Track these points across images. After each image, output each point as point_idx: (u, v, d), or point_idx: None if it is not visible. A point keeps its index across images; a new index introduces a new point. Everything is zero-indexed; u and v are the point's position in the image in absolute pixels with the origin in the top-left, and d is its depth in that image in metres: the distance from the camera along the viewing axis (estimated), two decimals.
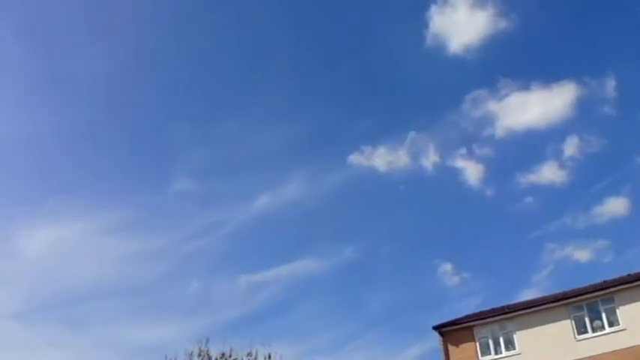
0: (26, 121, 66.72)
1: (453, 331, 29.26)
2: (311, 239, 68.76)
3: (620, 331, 26.16)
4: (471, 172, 63.27)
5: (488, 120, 66.59)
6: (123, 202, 66.20)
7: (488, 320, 28.96)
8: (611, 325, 26.57)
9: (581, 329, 27.01)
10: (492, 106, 61.96)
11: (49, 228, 59.69)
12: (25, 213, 63.84)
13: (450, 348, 28.90)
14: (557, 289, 30.07)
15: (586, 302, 27.32)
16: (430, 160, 64.51)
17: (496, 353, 28.28)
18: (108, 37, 68.31)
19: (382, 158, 66.22)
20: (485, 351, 28.44)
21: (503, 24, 66.92)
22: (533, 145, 63.83)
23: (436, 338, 29.58)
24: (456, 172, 64.48)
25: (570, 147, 58.97)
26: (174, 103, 71.64)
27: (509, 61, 68.28)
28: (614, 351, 25.65)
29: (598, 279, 28.53)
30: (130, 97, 71.97)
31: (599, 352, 25.87)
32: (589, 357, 26.01)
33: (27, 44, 67.33)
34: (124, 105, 71.63)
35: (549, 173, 59.27)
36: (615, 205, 57.98)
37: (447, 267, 63.18)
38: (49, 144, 67.99)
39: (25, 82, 67.78)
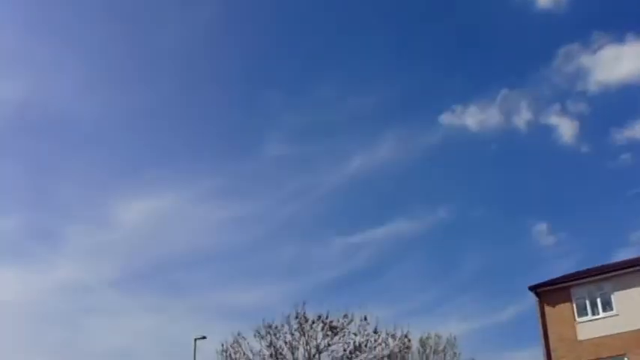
0: (120, 97, 70.37)
1: (549, 292, 28.46)
2: (404, 201, 67.88)
3: None
4: (565, 129, 60.64)
5: (582, 75, 62.85)
6: (217, 169, 68.40)
7: (585, 280, 27.83)
8: None
9: None
10: (585, 60, 58.97)
11: (145, 198, 63.33)
12: (121, 184, 67.86)
13: (547, 309, 28.19)
14: None
15: None
16: (523, 117, 61.87)
17: (593, 314, 27.20)
18: (192, 6, 69.88)
19: (474, 117, 64.34)
20: (582, 312, 27.43)
21: None
22: (629, 100, 59.31)
23: (532, 299, 28.97)
24: (549, 130, 61.41)
25: None
26: (266, 69, 72.60)
27: (601, 12, 62.69)
28: None
29: None
30: (219, 64, 73.77)
31: None
32: None
33: (114, 22, 70.39)
34: (214, 73, 73.27)
35: None
36: None
37: (542, 227, 60.72)
38: (143, 117, 70.61)
39: (115, 59, 71.12)
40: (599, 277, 27.49)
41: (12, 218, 61.38)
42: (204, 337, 34.03)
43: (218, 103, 73.44)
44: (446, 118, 62.86)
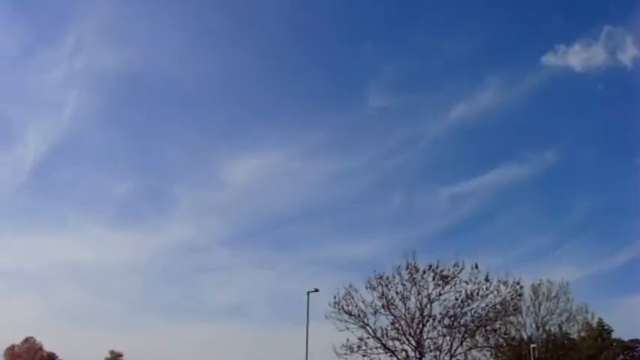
0: (217, 60, 71.31)
1: None
2: (509, 146, 66.40)
3: None
4: None
5: None
6: (321, 124, 68.78)
7: None
8: None
9: None
10: None
11: (251, 156, 64.68)
12: (226, 144, 69.31)
13: None
14: None
15: None
16: (629, 54, 58.31)
17: None
18: None
19: (577, 56, 61.70)
20: None
21: None
22: None
23: None
24: None
25: None
26: (360, 21, 71.77)
27: None
28: None
29: None
30: (314, 20, 73.51)
31: None
32: None
33: None
34: (309, 29, 73.52)
35: None
36: None
37: None
38: (242, 77, 72.42)
39: (209, 23, 72.08)
40: None
41: (124, 184, 64.86)
42: (316, 290, 34.76)
43: (316, 59, 74.27)
44: (549, 59, 61.11)
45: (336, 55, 71.41)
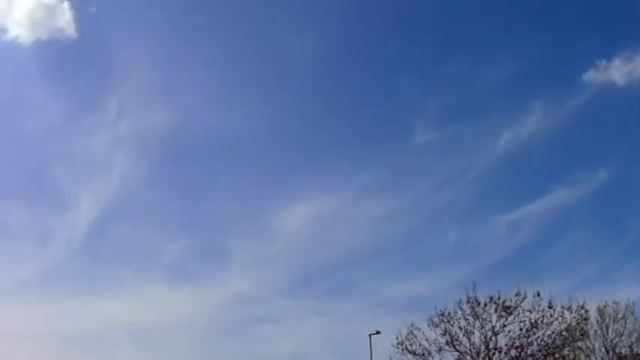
0: (260, 109, 72.07)
1: None
2: (560, 169, 65.07)
3: None
4: None
5: None
6: (369, 165, 68.45)
7: None
8: None
9: None
10: None
11: (302, 204, 64.66)
12: (277, 194, 69.21)
13: None
14: None
15: None
16: None
17: None
18: (317, 11, 71.14)
19: (619, 70, 60.22)
20: None
21: None
22: None
23: None
24: None
25: None
26: (398, 57, 72.19)
27: None
28: None
29: None
30: (352, 61, 74.08)
31: None
32: None
33: (244, 38, 72.75)
34: (348, 70, 73.42)
35: None
36: None
37: None
38: (286, 125, 72.06)
39: (249, 74, 73.12)
40: None
41: (177, 241, 65.66)
42: (378, 332, 34.78)
43: (359, 99, 74.42)
44: (590, 77, 60.31)
45: (377, 92, 72.30)
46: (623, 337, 38.92)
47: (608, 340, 38.88)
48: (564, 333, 31.49)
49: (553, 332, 31.26)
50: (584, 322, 32.47)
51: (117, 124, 67.24)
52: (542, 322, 31.05)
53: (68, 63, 72.18)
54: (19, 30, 68.06)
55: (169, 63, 72.99)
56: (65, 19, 63.54)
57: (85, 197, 65.54)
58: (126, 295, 59.90)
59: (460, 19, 70.84)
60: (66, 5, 62.18)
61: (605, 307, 38.62)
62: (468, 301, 31.62)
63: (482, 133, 67.02)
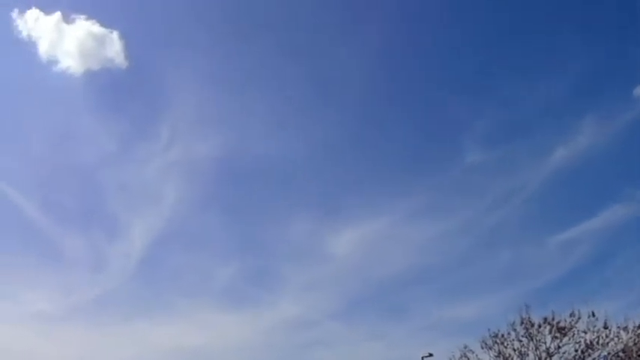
0: (308, 132, 72.90)
1: None
2: (614, 185, 63.94)
3: None
4: None
5: None
6: (419, 186, 68.29)
7: None
8: None
9: None
10: None
11: (354, 226, 64.86)
12: (329, 217, 69.34)
13: None
14: None
15: None
16: None
17: None
18: (359, 31, 71.77)
19: None
20: None
21: None
22: None
23: None
24: None
25: None
26: (447, 78, 72.50)
27: None
28: None
29: None
30: (400, 83, 74.64)
31: None
32: None
33: (288, 63, 73.07)
34: (394, 91, 74.02)
35: None
36: None
37: None
38: (336, 148, 72.35)
39: (295, 98, 74.25)
40: None
41: (229, 266, 66.66)
42: (430, 355, 34.94)
43: (408, 119, 74.86)
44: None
45: (426, 113, 72.65)
46: None
47: None
48: (620, 354, 31.00)
49: (609, 353, 30.89)
50: None
51: (168, 150, 68.95)
52: (597, 342, 30.77)
53: (119, 92, 73.98)
54: (70, 61, 69.56)
55: (218, 88, 74.67)
56: (115, 49, 64.82)
57: (138, 224, 67.11)
58: (178, 320, 61.09)
59: (509, 36, 70.98)
60: (115, 35, 63.50)
61: None
62: (522, 323, 31.57)
63: (534, 151, 66.58)
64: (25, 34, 63.53)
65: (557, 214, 65.50)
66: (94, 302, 61.27)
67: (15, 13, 63.13)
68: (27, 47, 65.58)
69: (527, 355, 31.50)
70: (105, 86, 71.29)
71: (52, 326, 58.27)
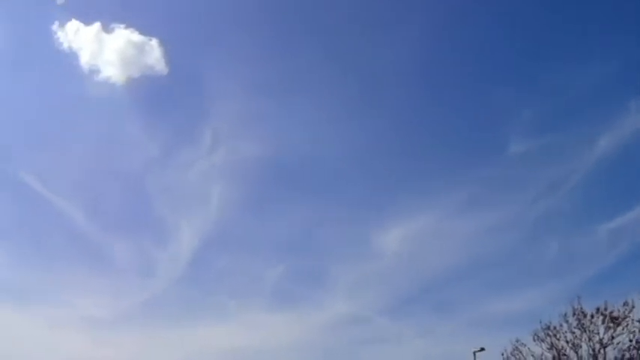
0: (359, 129, 72.59)
1: None
2: None
3: None
4: None
5: None
6: (464, 180, 67.40)
7: None
8: None
9: None
10: None
11: (401, 223, 64.48)
12: (376, 215, 68.75)
13: None
14: None
15: None
16: None
17: None
18: (400, 27, 70.31)
19: None
20: None
21: None
22: None
23: None
24: None
25: None
26: (491, 68, 71.85)
27: None
28: None
29: None
30: (445, 75, 74.07)
31: None
32: None
33: (331, 63, 72.56)
34: (442, 83, 73.95)
35: None
36: None
37: None
38: (385, 143, 72.12)
39: (338, 97, 74.19)
40: None
41: (278, 267, 67.23)
42: (482, 349, 34.74)
43: (449, 113, 74.18)
44: None
45: (469, 104, 72.11)
46: None
47: None
48: None
49: None
50: None
51: (212, 153, 69.95)
52: None
53: (161, 98, 75.14)
54: (111, 69, 69.35)
55: (260, 90, 75.05)
56: (155, 56, 65.41)
57: (185, 227, 68.19)
58: (228, 322, 61.90)
59: (552, 24, 70.00)
60: (154, 42, 64.44)
61: None
62: (574, 314, 31.24)
63: (580, 139, 65.41)
64: (66, 45, 64.77)
65: (605, 202, 64.35)
66: (143, 306, 62.45)
67: (55, 26, 64.47)
68: (69, 58, 66.98)
69: (580, 346, 31.17)
70: (147, 93, 71.89)
71: (104, 331, 59.66)
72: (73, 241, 67.42)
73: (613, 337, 30.65)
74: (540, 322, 32.05)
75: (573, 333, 31.25)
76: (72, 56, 67.25)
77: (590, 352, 30.90)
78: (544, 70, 69.46)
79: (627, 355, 30.20)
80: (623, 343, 30.47)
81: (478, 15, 72.25)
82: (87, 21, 68.77)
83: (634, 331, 30.31)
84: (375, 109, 74.53)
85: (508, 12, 71.70)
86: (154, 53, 65.26)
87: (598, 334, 30.87)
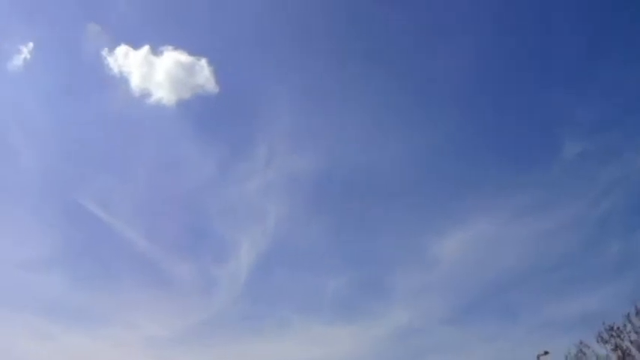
0: (412, 137, 72.82)
1: None
2: None
3: None
4: None
5: None
6: (521, 183, 67.17)
7: None
8: None
9: None
10: None
11: (459, 230, 64.56)
12: (434, 223, 68.66)
13: None
14: None
15: None
16: None
17: None
18: (452, 39, 72.33)
19: None
20: None
21: None
22: None
23: None
24: None
25: None
26: (547, 68, 71.35)
27: None
28: None
29: None
30: (500, 78, 74.01)
31: None
32: None
33: (377, 74, 74.34)
34: (496, 85, 73.85)
35: None
36: None
37: None
38: (439, 151, 72.90)
39: (396, 104, 74.82)
40: None
41: (338, 279, 67.69)
42: (546, 353, 34.76)
43: (504, 117, 74.08)
44: None
45: (525, 107, 71.94)
46: None
47: None
48: None
49: None
50: None
51: (267, 169, 71.06)
52: None
53: (213, 116, 76.87)
54: (162, 92, 71.25)
55: (311, 102, 76.14)
56: (204, 76, 67.31)
57: (244, 243, 69.23)
58: (290, 336, 62.64)
59: (608, 24, 70.14)
60: (204, 62, 66.38)
61: None
62: (638, 314, 31.06)
63: (636, 138, 64.52)
64: (116, 70, 67.24)
65: None
66: (205, 324, 63.68)
67: (105, 52, 67.18)
68: (119, 83, 69.08)
69: None
70: (198, 113, 74.01)
71: (167, 350, 61.08)
72: (135, 263, 69.50)
73: None
74: (604, 323, 31.93)
75: (637, 333, 31.04)
76: (122, 81, 69.12)
77: None
78: (602, 68, 68.87)
79: None
80: None
81: (531, 19, 72.79)
82: (135, 44, 71.73)
83: None
84: (430, 116, 74.85)
85: (564, 14, 71.78)
86: (204, 73, 67.28)
87: None
